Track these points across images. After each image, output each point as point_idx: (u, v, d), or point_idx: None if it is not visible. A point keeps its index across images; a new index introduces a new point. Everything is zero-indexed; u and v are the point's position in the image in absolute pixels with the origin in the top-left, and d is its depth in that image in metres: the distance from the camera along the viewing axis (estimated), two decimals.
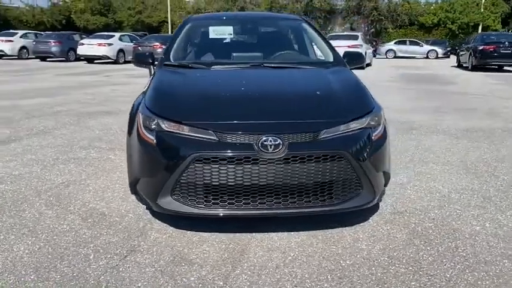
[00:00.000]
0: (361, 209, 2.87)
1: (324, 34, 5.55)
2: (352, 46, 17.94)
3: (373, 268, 2.46)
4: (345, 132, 2.73)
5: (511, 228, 2.97)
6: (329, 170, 2.63)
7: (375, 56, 31.79)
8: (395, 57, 31.15)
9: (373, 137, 2.83)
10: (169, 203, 2.65)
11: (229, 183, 2.57)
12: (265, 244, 2.73)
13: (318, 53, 4.17)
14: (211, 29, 4.07)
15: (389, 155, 3.08)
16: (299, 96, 3.02)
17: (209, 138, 2.59)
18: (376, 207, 3.29)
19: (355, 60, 4.05)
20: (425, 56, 31.33)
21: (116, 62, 21.11)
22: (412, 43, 32.76)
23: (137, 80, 12.56)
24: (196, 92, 2.95)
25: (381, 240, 2.79)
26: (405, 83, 12.97)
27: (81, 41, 21.36)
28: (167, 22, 48.09)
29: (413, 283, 2.31)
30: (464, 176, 4.09)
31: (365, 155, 2.75)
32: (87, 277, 2.35)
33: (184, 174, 2.58)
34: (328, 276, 2.37)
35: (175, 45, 3.85)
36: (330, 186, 2.68)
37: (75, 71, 17.11)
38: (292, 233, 2.88)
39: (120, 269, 2.43)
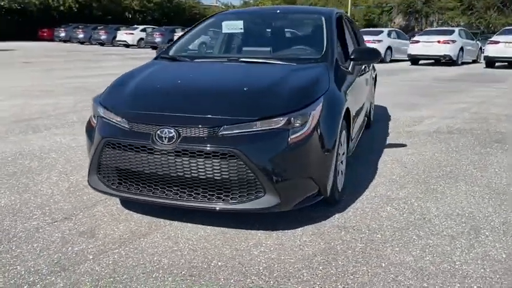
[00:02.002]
0: (267, 212, 2.73)
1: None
2: None
3: (234, 274, 2.35)
4: (250, 131, 2.61)
5: (454, 268, 2.42)
6: (220, 167, 2.57)
7: None
8: None
9: (290, 139, 2.63)
10: (94, 181, 2.96)
11: (132, 170, 2.75)
12: (172, 232, 2.82)
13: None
14: (224, 24, 4.17)
15: (324, 160, 2.81)
16: (224, 91, 2.97)
17: (123, 126, 2.80)
18: (325, 217, 3.04)
19: (365, 56, 3.71)
20: None
21: None
22: None
23: None
24: (139, 83, 3.15)
25: (282, 250, 2.61)
26: None
27: None
28: None
29: None
30: (485, 201, 3.36)
31: (270, 156, 2.59)
32: (9, 231, 2.83)
33: (101, 157, 2.85)
34: (182, 272, 2.37)
35: (183, 39, 4.09)
36: (225, 184, 2.61)
37: None
38: (210, 226, 2.89)
39: (39, 230, 2.85)
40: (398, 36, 20.34)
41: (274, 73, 3.16)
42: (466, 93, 9.49)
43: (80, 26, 34.32)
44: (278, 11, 4.45)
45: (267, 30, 4.29)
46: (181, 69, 3.54)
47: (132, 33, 30.65)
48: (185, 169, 2.61)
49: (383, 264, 2.45)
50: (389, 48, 19.12)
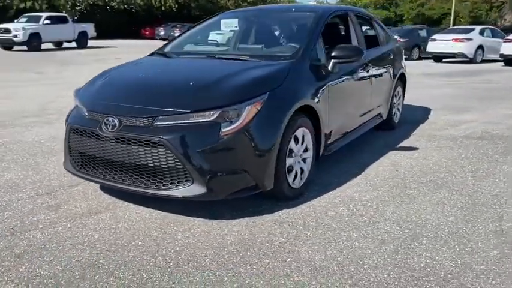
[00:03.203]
0: (195, 200, 2.88)
1: None
2: None
3: (144, 253, 2.54)
4: (183, 123, 2.77)
5: (357, 271, 2.36)
6: (152, 155, 2.77)
7: None
8: None
9: (221, 132, 2.75)
10: (67, 163, 3.33)
11: (88, 154, 3.07)
12: (121, 213, 3.08)
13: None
14: (222, 21, 4.36)
15: (260, 155, 2.88)
16: (170, 85, 3.14)
17: (84, 113, 3.13)
18: (271, 211, 3.11)
19: (345, 54, 3.63)
20: None
21: None
22: None
23: None
24: (110, 76, 3.46)
25: (205, 236, 2.74)
26: None
27: None
28: (450, 14, 44.74)
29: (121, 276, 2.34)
30: (453, 210, 3.16)
31: (199, 147, 2.72)
32: None
33: (70, 141, 3.21)
34: (103, 246, 2.62)
35: (183, 36, 4.36)
36: (158, 172, 2.81)
37: None
38: (158, 211, 3.10)
39: (19, 201, 3.28)
40: (493, 35, 18.67)
41: (230, 69, 3.27)
42: None
43: (177, 25, 36.45)
44: (277, 10, 4.53)
45: (260, 28, 4.39)
46: (154, 65, 3.81)
47: (223, 33, 31.82)
48: (124, 155, 2.86)
49: (288, 260, 2.48)
50: (480, 47, 17.67)
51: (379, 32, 5.25)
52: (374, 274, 2.33)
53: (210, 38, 4.63)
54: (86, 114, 3.10)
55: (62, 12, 28.78)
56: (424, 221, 2.97)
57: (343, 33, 4.52)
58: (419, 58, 19.94)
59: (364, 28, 5.22)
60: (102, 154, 2.97)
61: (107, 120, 2.91)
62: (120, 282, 2.26)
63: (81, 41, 24.12)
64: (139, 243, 2.67)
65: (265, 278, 2.30)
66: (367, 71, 4.40)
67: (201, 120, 2.78)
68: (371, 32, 5.24)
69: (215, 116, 2.77)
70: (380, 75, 4.81)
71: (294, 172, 3.25)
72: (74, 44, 24.13)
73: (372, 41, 5.00)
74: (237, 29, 4.30)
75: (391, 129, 5.49)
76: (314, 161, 3.53)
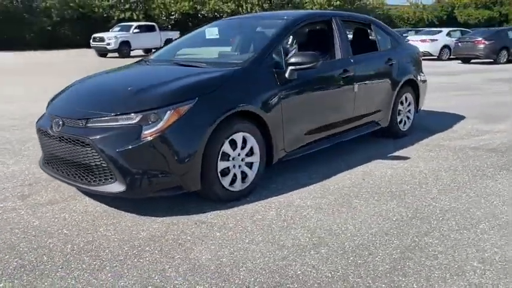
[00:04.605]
0: (116, 196, 3.12)
1: None
2: None
3: (61, 241, 2.84)
4: (110, 125, 3.04)
5: (231, 272, 2.44)
6: (81, 153, 3.08)
7: None
8: None
9: (143, 134, 2.97)
10: (40, 160, 3.78)
11: (47, 150, 3.47)
12: (73, 205, 3.41)
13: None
14: (206, 30, 4.57)
15: (182, 156, 3.03)
16: (111, 90, 3.44)
17: (46, 116, 3.55)
18: (201, 211, 3.25)
19: (300, 60, 3.64)
20: None
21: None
22: None
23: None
24: (79, 82, 3.85)
25: (123, 231, 2.97)
26: None
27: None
28: None
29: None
30: (384, 223, 3.04)
31: (120, 148, 2.95)
32: None
33: (39, 139, 3.65)
34: (34, 232, 2.97)
35: (172, 44, 4.66)
36: (89, 168, 3.11)
37: None
38: (103, 205, 3.38)
39: (3, 190, 3.79)
40: None
41: (173, 75, 3.46)
42: None
43: None
44: (259, 18, 4.65)
45: (235, 36, 4.53)
46: (122, 72, 4.12)
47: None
48: (65, 152, 3.21)
49: (176, 257, 2.61)
50: None
51: (380, 37, 5.06)
52: (242, 276, 2.39)
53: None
54: (47, 116, 3.51)
55: (157, 22, 30.98)
56: (342, 231, 2.91)
57: (324, 39, 4.47)
58: (509, 61, 18.28)
59: (365, 33, 5.11)
60: (53, 151, 3.34)
61: (55, 121, 3.28)
62: (21, 263, 2.58)
63: None
64: (65, 231, 2.98)
65: (142, 270, 2.47)
66: (347, 77, 4.31)
67: (125, 123, 3.02)
68: (370, 37, 5.09)
69: (138, 119, 3.00)
70: (371, 81, 4.66)
71: (231, 175, 3.35)
72: None
73: (368, 47, 4.87)
74: (217, 37, 4.49)
75: (395, 137, 5.26)
76: (264, 166, 3.59)
